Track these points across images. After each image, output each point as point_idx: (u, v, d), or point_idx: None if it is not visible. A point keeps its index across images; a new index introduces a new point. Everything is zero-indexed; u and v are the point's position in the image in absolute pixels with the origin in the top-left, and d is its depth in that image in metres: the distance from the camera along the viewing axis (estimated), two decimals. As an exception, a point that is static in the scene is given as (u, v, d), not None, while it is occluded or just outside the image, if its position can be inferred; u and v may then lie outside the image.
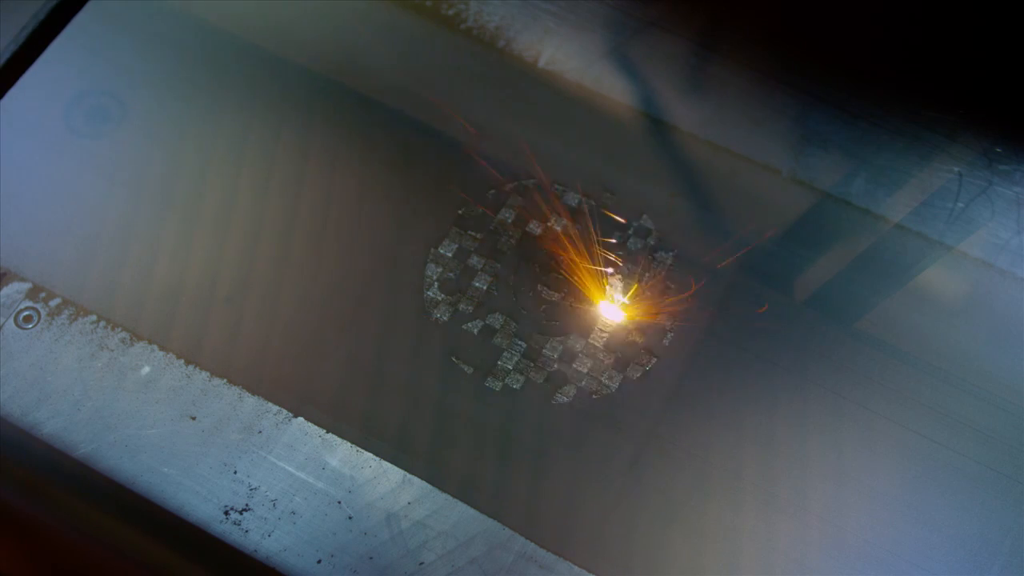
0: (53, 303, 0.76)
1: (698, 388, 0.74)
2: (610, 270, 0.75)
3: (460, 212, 0.79)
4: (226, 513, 0.70)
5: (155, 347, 0.75)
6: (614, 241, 0.76)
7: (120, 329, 0.75)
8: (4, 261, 0.77)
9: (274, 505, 0.70)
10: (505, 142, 0.81)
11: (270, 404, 0.73)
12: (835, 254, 0.77)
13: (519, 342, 0.75)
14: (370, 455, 0.71)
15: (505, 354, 0.75)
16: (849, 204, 0.79)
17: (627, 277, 0.75)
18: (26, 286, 0.76)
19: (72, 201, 0.80)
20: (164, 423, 0.72)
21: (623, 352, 0.75)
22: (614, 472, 0.71)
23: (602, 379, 0.74)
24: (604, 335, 0.75)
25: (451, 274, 0.77)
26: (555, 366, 0.75)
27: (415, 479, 0.71)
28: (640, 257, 0.75)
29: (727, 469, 0.71)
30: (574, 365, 0.75)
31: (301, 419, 0.72)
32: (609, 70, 0.84)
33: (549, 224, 0.75)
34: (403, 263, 0.78)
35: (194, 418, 0.72)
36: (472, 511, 0.70)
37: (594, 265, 0.74)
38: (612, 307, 0.75)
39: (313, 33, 0.86)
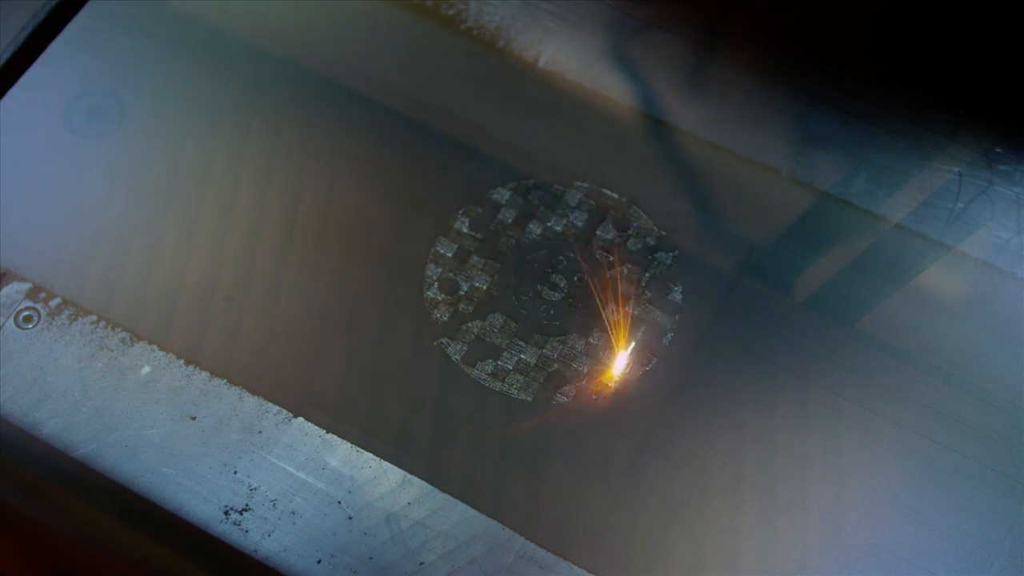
0: (53, 303, 0.76)
1: (698, 388, 0.74)
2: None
3: (460, 212, 0.79)
4: (226, 513, 0.70)
5: (155, 347, 0.75)
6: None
7: (120, 329, 0.75)
8: (4, 261, 0.77)
9: (274, 505, 0.70)
10: (506, 142, 0.81)
11: (270, 404, 0.73)
12: (835, 254, 0.77)
13: (519, 342, 0.75)
14: (370, 455, 0.71)
15: (505, 354, 0.75)
16: (849, 204, 0.79)
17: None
18: (26, 286, 0.76)
19: (72, 201, 0.80)
20: (164, 423, 0.72)
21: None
22: (614, 472, 0.71)
23: (602, 379, 0.74)
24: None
25: (451, 274, 0.77)
26: (555, 366, 0.75)
27: (415, 479, 0.71)
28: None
29: (727, 469, 0.71)
30: (574, 365, 0.75)
31: (301, 419, 0.72)
32: (609, 70, 0.84)
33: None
34: (403, 263, 0.78)
35: (194, 418, 0.72)
36: (472, 511, 0.70)
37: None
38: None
39: (313, 33, 0.86)
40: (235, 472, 0.71)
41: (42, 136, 0.82)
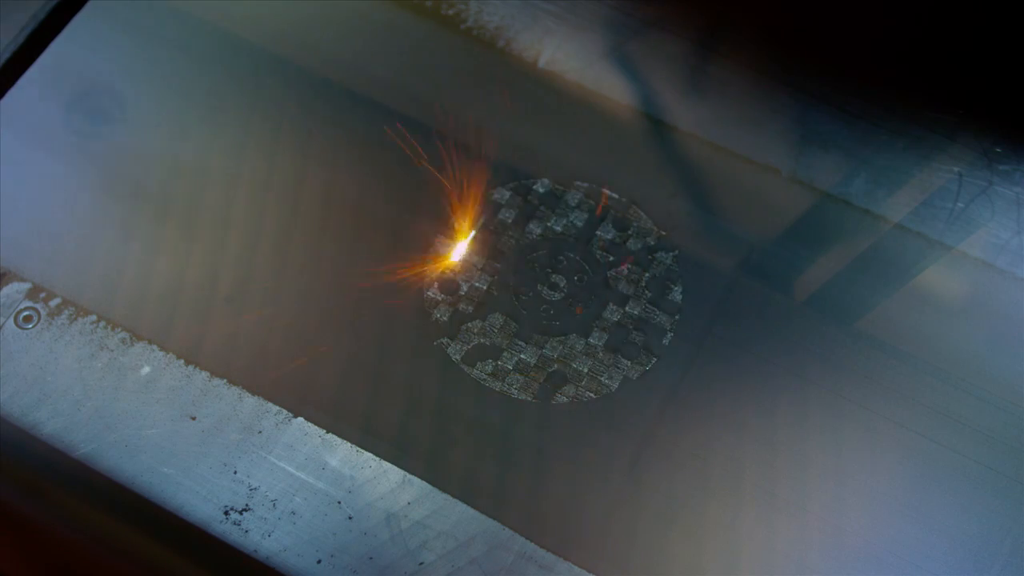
0: (53, 303, 0.76)
1: (698, 388, 0.74)
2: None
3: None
4: (226, 513, 0.70)
5: (155, 347, 0.75)
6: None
7: (120, 329, 0.75)
8: (4, 261, 0.77)
9: (274, 505, 0.70)
10: (506, 142, 0.81)
11: (270, 404, 0.73)
12: (835, 254, 0.77)
13: (519, 342, 0.75)
14: (370, 455, 0.71)
15: (505, 354, 0.75)
16: (849, 204, 0.79)
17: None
18: (26, 286, 0.76)
19: (72, 201, 0.80)
20: (164, 423, 0.72)
21: (623, 352, 0.75)
22: (614, 472, 0.71)
23: (602, 379, 0.74)
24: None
25: (451, 274, 0.77)
26: (555, 366, 0.75)
27: (415, 479, 0.71)
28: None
29: (727, 469, 0.71)
30: (574, 365, 0.75)
31: (301, 419, 0.72)
32: (609, 70, 0.84)
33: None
34: (403, 263, 0.78)
35: (194, 418, 0.72)
36: (472, 511, 0.70)
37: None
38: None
39: (313, 33, 0.86)
40: (235, 472, 0.71)
41: (42, 136, 0.82)
